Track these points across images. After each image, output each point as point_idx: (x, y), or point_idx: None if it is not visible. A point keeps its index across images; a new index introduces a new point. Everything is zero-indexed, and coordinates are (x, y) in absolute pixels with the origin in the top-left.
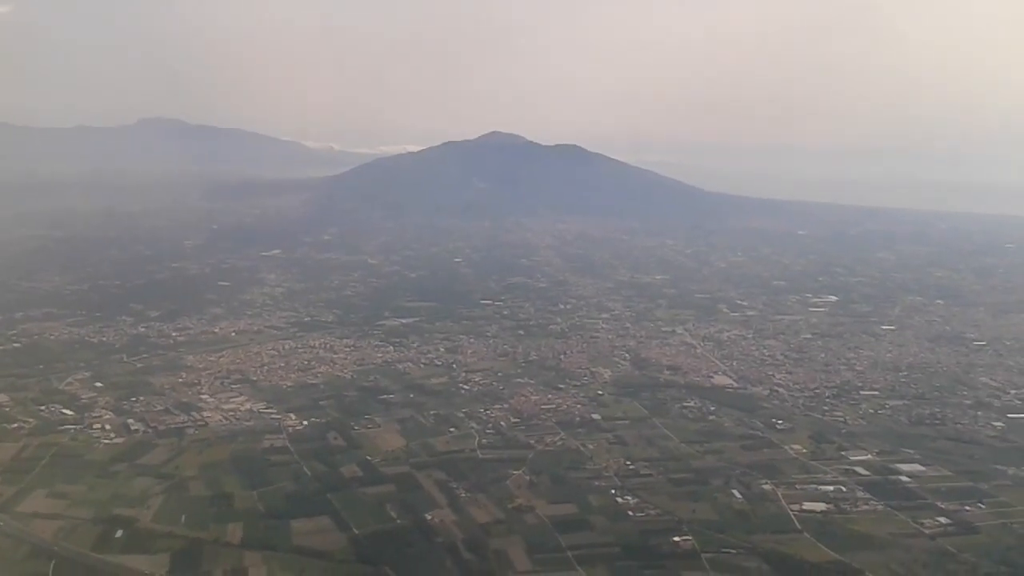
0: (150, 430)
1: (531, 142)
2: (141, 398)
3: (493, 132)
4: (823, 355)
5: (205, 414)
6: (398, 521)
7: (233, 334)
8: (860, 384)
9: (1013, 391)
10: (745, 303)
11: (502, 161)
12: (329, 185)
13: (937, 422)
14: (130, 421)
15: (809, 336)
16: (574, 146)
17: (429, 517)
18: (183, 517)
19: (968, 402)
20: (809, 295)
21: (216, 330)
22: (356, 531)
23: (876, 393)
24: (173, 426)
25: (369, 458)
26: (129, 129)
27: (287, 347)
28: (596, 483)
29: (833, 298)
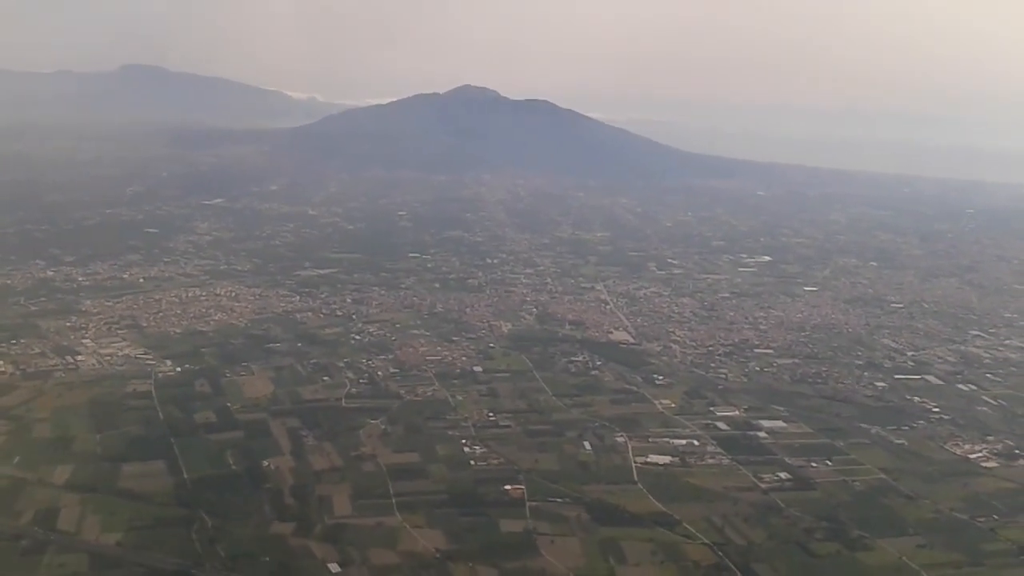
0: (18, 372)
1: (502, 96)
2: (22, 341)
3: (465, 85)
4: (732, 314)
5: (79, 358)
6: (233, 467)
7: (141, 280)
8: (757, 343)
9: (911, 352)
10: (676, 262)
11: (471, 115)
12: (293, 135)
13: (819, 381)
14: (0, 363)
15: (726, 295)
16: (544, 102)
17: (266, 464)
18: (16, 459)
19: (860, 362)
20: (744, 255)
21: (125, 276)
22: (186, 476)
23: (770, 352)
24: (43, 369)
25: (229, 405)
26: (110, 75)
27: (191, 295)
28: (450, 433)
29: (767, 258)
